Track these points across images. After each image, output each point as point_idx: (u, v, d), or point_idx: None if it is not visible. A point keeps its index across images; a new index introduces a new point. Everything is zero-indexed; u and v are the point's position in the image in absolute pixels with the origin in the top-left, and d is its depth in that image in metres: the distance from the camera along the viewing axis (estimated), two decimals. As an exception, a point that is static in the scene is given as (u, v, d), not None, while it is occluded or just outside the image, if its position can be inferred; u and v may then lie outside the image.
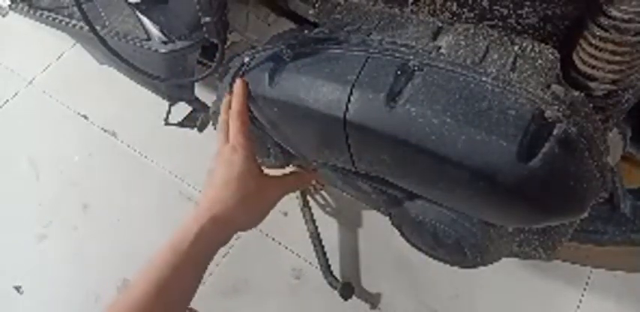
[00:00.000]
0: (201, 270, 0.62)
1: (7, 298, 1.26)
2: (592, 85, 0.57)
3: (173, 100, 0.95)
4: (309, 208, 1.23)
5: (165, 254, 0.59)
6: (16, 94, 1.51)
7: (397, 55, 0.59)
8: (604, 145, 0.58)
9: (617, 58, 0.53)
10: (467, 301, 1.16)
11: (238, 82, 0.67)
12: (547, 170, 0.53)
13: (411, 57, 0.59)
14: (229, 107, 0.68)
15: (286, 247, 1.25)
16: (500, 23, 0.60)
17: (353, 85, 0.58)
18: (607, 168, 0.59)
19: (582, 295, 1.13)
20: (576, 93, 0.56)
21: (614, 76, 0.55)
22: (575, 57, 0.57)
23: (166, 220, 1.18)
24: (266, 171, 0.67)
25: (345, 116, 0.58)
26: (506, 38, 0.59)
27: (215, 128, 0.82)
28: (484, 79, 0.56)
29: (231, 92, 0.68)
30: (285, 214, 1.28)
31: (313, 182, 1.25)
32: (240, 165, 0.63)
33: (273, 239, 1.26)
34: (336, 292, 1.14)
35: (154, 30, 0.82)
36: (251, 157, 0.65)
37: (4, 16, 1.50)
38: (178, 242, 0.59)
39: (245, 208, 0.63)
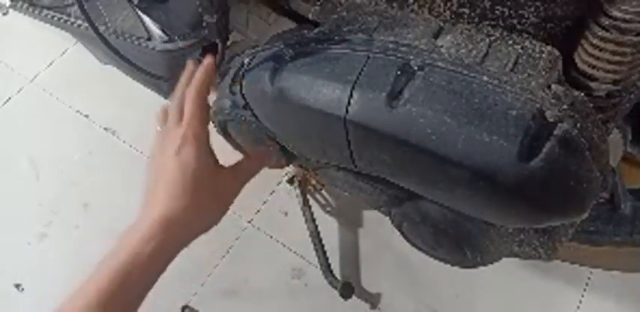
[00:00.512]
0: (153, 280, 0.56)
1: (7, 297, 1.26)
2: (593, 85, 0.57)
3: (174, 100, 0.95)
4: (309, 208, 1.23)
5: (111, 265, 0.56)
6: (16, 92, 1.51)
7: (398, 54, 0.59)
8: (604, 146, 0.58)
9: (618, 58, 0.53)
10: (467, 301, 1.16)
11: (206, 63, 0.59)
12: (548, 170, 0.53)
13: (412, 57, 0.59)
14: (188, 81, 0.59)
15: (286, 247, 1.25)
16: (502, 23, 0.60)
17: (353, 85, 0.58)
18: (607, 168, 0.59)
19: (582, 295, 1.13)
20: (577, 93, 0.56)
21: (615, 76, 0.55)
22: (576, 57, 0.57)
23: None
24: (220, 161, 0.59)
25: (345, 116, 0.58)
26: (507, 38, 0.59)
27: (215, 127, 0.82)
28: (485, 79, 0.56)
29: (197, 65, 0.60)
30: (285, 213, 1.28)
31: (313, 179, 1.25)
32: (193, 161, 0.55)
33: (273, 239, 1.26)
34: (336, 292, 1.14)
35: (155, 29, 0.82)
36: (203, 149, 0.56)
37: (5, 14, 1.50)
38: (125, 267, 0.55)
39: (203, 212, 0.56)
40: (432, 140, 0.55)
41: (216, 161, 0.58)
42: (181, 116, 0.57)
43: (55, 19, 0.97)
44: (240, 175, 0.60)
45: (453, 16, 0.63)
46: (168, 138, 0.57)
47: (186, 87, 0.59)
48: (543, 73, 0.56)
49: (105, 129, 1.44)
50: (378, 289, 1.19)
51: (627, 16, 0.50)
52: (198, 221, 0.56)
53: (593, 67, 0.55)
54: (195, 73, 0.59)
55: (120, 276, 0.54)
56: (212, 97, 0.81)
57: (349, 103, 0.58)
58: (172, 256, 0.55)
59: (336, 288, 1.15)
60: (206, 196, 0.55)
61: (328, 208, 1.27)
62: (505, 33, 0.60)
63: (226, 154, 0.64)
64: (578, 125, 0.55)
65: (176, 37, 0.80)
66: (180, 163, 0.55)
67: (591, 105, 0.57)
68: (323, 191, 1.28)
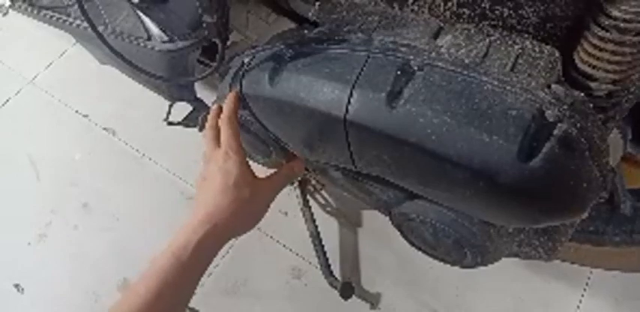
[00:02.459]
0: (198, 279, 0.63)
1: (7, 297, 1.26)
2: (593, 85, 0.57)
3: (174, 100, 0.95)
4: (309, 208, 1.23)
5: (164, 264, 0.60)
6: (16, 93, 1.51)
7: (398, 54, 0.59)
8: (604, 146, 0.58)
9: (618, 58, 0.53)
10: (467, 301, 1.16)
11: (231, 95, 0.69)
12: (547, 170, 0.53)
13: (412, 57, 0.59)
14: (218, 114, 0.69)
15: (286, 247, 1.25)
16: (501, 23, 0.60)
17: (353, 85, 0.58)
18: (607, 168, 0.59)
19: (582, 295, 1.13)
20: (577, 93, 0.56)
21: (615, 76, 0.55)
22: (575, 57, 0.57)
23: (167, 219, 1.18)
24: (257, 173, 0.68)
25: (345, 116, 0.58)
26: (506, 38, 0.59)
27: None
28: (485, 79, 0.56)
29: (222, 100, 0.70)
30: (285, 214, 1.28)
31: (313, 179, 1.25)
32: (235, 172, 0.64)
33: (273, 239, 1.26)
34: (336, 292, 1.14)
35: (154, 29, 0.82)
36: (244, 162, 0.66)
37: (4, 15, 1.50)
38: (177, 253, 0.60)
39: (242, 216, 0.64)
40: (432, 140, 0.55)
41: (254, 174, 0.67)
42: (217, 141, 0.67)
43: (55, 19, 0.97)
44: (276, 183, 0.70)
45: (452, 16, 0.63)
46: (212, 159, 0.66)
47: (214, 120, 0.69)
48: (543, 73, 0.56)
49: (104, 129, 1.44)
50: (378, 289, 1.19)
51: (627, 16, 0.50)
52: (237, 223, 0.64)
53: (593, 67, 0.55)
54: (225, 104, 0.69)
55: (173, 274, 0.60)
56: (212, 98, 0.81)
57: (349, 103, 0.58)
58: (213, 252, 0.63)
59: (336, 288, 1.15)
60: (245, 201, 0.64)
61: (328, 208, 1.27)
62: (505, 33, 0.60)
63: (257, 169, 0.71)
64: (578, 125, 0.55)
65: (176, 38, 0.80)
66: (223, 174, 0.64)
67: (591, 105, 0.57)
68: (323, 191, 1.28)
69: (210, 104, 0.81)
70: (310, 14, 0.70)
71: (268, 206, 0.68)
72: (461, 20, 0.63)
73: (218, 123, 0.69)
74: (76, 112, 1.47)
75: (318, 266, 1.19)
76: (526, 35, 0.60)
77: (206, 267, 0.63)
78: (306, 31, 0.68)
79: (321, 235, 1.20)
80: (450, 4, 0.61)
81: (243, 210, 0.64)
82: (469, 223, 0.70)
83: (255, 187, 0.65)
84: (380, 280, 1.20)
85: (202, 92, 1.02)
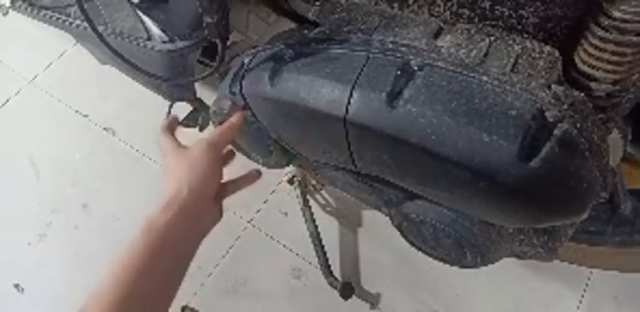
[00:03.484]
0: (182, 251, 0.62)
1: (7, 297, 1.26)
2: (593, 85, 0.57)
3: (174, 100, 0.95)
4: (309, 208, 1.23)
5: (134, 252, 0.59)
6: (16, 93, 1.51)
7: (398, 55, 0.59)
8: (604, 146, 0.58)
9: (618, 58, 0.53)
10: (467, 301, 1.16)
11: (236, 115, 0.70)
12: (547, 170, 0.53)
13: (412, 57, 0.59)
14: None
15: (286, 247, 1.25)
16: (501, 23, 0.60)
17: (353, 85, 0.58)
18: (607, 168, 0.59)
19: (582, 296, 1.13)
20: (577, 93, 0.56)
21: (615, 76, 0.55)
22: (575, 57, 0.57)
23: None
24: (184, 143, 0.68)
25: (345, 116, 0.58)
26: (507, 38, 0.59)
27: (215, 127, 0.81)
28: (485, 79, 0.56)
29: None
30: (285, 214, 1.28)
31: (313, 179, 1.25)
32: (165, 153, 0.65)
33: (273, 239, 1.26)
34: (336, 292, 1.14)
35: (154, 29, 0.82)
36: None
37: (4, 14, 1.50)
38: (164, 222, 0.61)
39: (189, 176, 0.62)
40: (432, 140, 0.55)
41: (178, 144, 0.68)
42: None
43: (55, 19, 0.97)
44: (211, 137, 0.67)
45: (452, 17, 0.63)
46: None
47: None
48: (543, 73, 0.56)
49: (104, 129, 1.44)
50: (378, 289, 1.19)
51: (627, 16, 0.50)
52: (189, 185, 0.63)
53: (593, 67, 0.55)
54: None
55: (155, 246, 0.59)
56: (212, 98, 0.81)
57: (349, 103, 0.58)
58: (202, 231, 0.63)
59: (336, 288, 1.15)
60: (180, 170, 0.64)
61: (328, 208, 1.27)
62: (505, 33, 0.60)
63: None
64: (578, 125, 0.55)
65: (176, 38, 0.80)
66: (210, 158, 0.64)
67: (591, 105, 0.57)
68: (323, 191, 1.28)
69: (210, 104, 0.81)
70: (310, 14, 0.70)
71: (214, 164, 0.65)
72: (461, 20, 0.63)
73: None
74: (76, 112, 1.47)
75: (318, 266, 1.19)
76: (526, 35, 0.60)
77: (182, 249, 0.62)
78: (306, 31, 0.68)
79: (321, 235, 1.20)
80: (449, 4, 0.61)
81: (187, 178, 0.62)
82: (469, 223, 0.70)
83: (185, 153, 0.64)
84: (380, 280, 1.20)
85: (202, 92, 1.02)
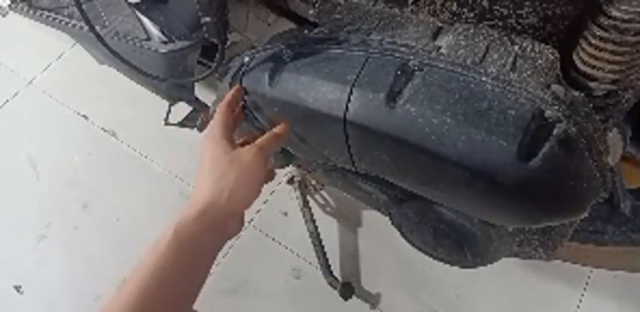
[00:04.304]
0: (206, 262, 0.60)
1: (7, 298, 1.26)
2: (592, 85, 0.57)
3: (173, 100, 0.95)
4: (309, 208, 1.23)
5: (158, 257, 0.56)
6: (16, 94, 1.51)
7: (397, 55, 0.59)
8: (604, 145, 0.58)
9: (617, 58, 0.53)
10: (467, 301, 1.16)
11: (235, 88, 0.67)
12: (547, 170, 0.53)
13: (411, 57, 0.59)
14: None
15: (286, 247, 1.25)
16: (500, 23, 0.60)
17: (353, 85, 0.58)
18: (607, 168, 0.59)
19: (582, 295, 1.13)
20: (576, 93, 0.56)
21: (614, 76, 0.55)
22: (575, 57, 0.57)
23: (167, 219, 1.18)
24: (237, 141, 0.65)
25: (345, 116, 0.58)
26: (506, 38, 0.59)
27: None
28: (484, 79, 0.56)
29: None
30: (285, 214, 1.28)
31: (313, 179, 1.25)
32: (213, 153, 0.60)
33: (273, 239, 1.26)
34: (336, 292, 1.14)
35: (154, 30, 0.82)
36: (225, 144, 0.61)
37: (4, 16, 1.50)
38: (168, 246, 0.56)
39: (233, 190, 0.58)
40: (432, 140, 0.55)
41: (234, 145, 0.63)
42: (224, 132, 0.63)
43: (54, 20, 0.97)
44: (260, 147, 0.62)
45: (452, 17, 0.63)
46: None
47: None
48: (542, 73, 0.56)
49: (104, 130, 1.44)
50: (378, 289, 1.19)
51: (626, 16, 0.50)
52: (230, 199, 0.59)
53: (593, 67, 0.55)
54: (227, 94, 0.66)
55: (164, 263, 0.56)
56: (212, 98, 0.81)
57: (349, 103, 0.58)
58: (225, 241, 0.60)
59: (336, 288, 1.15)
60: (230, 174, 0.60)
61: (328, 208, 1.27)
62: (504, 33, 0.60)
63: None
64: (578, 125, 0.55)
65: (175, 38, 0.80)
66: (203, 160, 0.61)
67: (591, 105, 0.57)
68: (323, 191, 1.28)
69: (210, 104, 0.81)
70: (310, 14, 0.70)
71: (261, 174, 0.61)
72: (460, 20, 0.62)
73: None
74: (76, 112, 1.47)
75: (318, 266, 1.19)
76: (526, 35, 0.60)
77: (207, 260, 0.59)
78: (305, 32, 0.68)
79: (321, 235, 1.20)
80: (449, 4, 0.61)
81: (231, 184, 0.58)
82: (469, 223, 0.70)
83: (237, 157, 0.59)
84: (380, 280, 1.20)
85: (202, 92, 1.02)
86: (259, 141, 0.62)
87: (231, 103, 0.65)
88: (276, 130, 0.65)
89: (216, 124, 0.63)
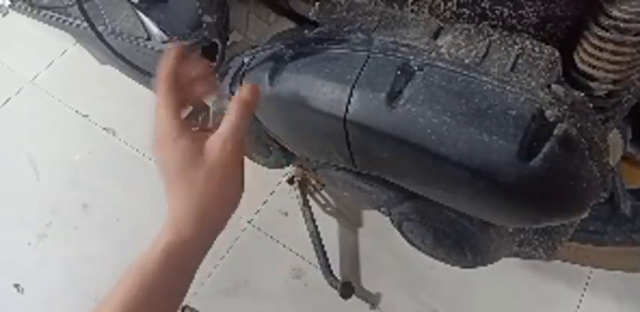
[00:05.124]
0: (187, 282, 0.52)
1: (7, 297, 1.26)
2: (593, 85, 0.57)
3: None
4: (309, 208, 1.23)
5: (133, 278, 0.49)
6: (16, 93, 1.51)
7: (398, 54, 0.59)
8: (604, 145, 0.58)
9: (618, 58, 0.53)
10: (467, 300, 1.16)
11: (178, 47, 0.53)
12: (547, 170, 0.53)
13: (412, 57, 0.59)
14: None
15: (286, 247, 1.25)
16: (501, 23, 0.60)
17: (353, 85, 0.58)
18: (607, 168, 0.59)
19: (582, 295, 1.13)
20: (577, 93, 0.56)
21: (615, 76, 0.55)
22: (575, 57, 0.57)
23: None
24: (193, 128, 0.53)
25: (345, 116, 0.58)
26: (506, 38, 0.59)
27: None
28: (485, 79, 0.56)
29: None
30: (285, 214, 1.28)
31: (313, 179, 1.25)
32: (168, 151, 0.49)
33: (273, 239, 1.26)
34: (336, 292, 1.14)
35: (154, 29, 0.82)
36: (175, 130, 0.49)
37: (4, 15, 1.50)
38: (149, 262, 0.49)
39: (211, 197, 0.49)
40: (432, 140, 0.55)
41: (186, 128, 0.52)
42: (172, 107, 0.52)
43: (55, 19, 0.97)
44: (230, 132, 0.50)
45: (452, 16, 0.63)
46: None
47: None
48: (543, 73, 0.56)
49: (104, 129, 1.44)
50: (378, 289, 1.19)
51: (627, 16, 0.50)
52: (212, 210, 0.50)
53: (593, 67, 0.55)
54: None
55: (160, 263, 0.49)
56: (212, 98, 0.81)
57: (349, 103, 0.58)
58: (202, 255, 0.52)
59: (336, 288, 1.15)
60: (203, 180, 0.49)
61: (328, 208, 1.27)
62: (505, 33, 0.60)
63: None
64: (578, 125, 0.55)
65: (176, 38, 0.80)
66: (159, 162, 0.51)
67: (591, 105, 0.57)
68: (323, 191, 1.28)
69: (210, 104, 0.81)
70: (310, 14, 0.70)
71: (240, 170, 0.50)
72: (461, 20, 0.62)
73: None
74: (76, 112, 1.47)
75: (318, 266, 1.19)
76: (526, 35, 0.60)
77: (187, 279, 0.52)
78: (306, 31, 0.68)
79: (321, 235, 1.20)
80: (450, 4, 0.61)
81: (208, 191, 0.48)
82: (469, 223, 0.70)
83: (203, 162, 0.48)
84: (380, 280, 1.20)
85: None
86: (224, 128, 0.49)
87: (172, 71, 0.51)
88: (243, 96, 0.50)
89: (164, 116, 0.50)
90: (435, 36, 0.61)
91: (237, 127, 0.50)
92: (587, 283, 1.14)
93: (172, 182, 0.49)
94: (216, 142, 0.49)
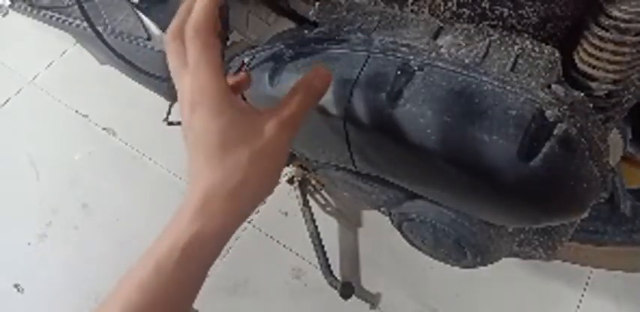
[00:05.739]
0: (193, 291, 0.47)
1: (7, 297, 1.26)
2: (593, 85, 0.57)
3: (174, 100, 0.95)
4: (309, 208, 1.23)
5: (142, 278, 0.42)
6: (16, 93, 1.51)
7: (397, 54, 0.59)
8: (604, 145, 0.58)
9: (618, 58, 0.53)
10: (467, 300, 1.16)
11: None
12: (547, 170, 0.53)
13: (412, 57, 0.59)
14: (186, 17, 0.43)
15: (286, 247, 1.25)
16: (501, 23, 0.60)
17: (353, 85, 0.58)
18: (607, 168, 0.59)
19: (582, 295, 1.13)
20: (577, 93, 0.56)
21: (615, 76, 0.55)
22: (575, 57, 0.57)
23: (167, 219, 1.18)
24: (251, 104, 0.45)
25: (345, 116, 0.58)
26: (506, 38, 0.59)
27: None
28: (484, 79, 0.56)
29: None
30: (285, 214, 1.28)
31: (313, 179, 1.25)
32: (215, 126, 0.41)
33: (273, 239, 1.26)
34: (336, 292, 1.14)
35: (154, 29, 0.82)
36: (223, 95, 0.41)
37: (4, 15, 1.50)
38: (159, 263, 0.42)
39: (252, 183, 0.42)
40: (432, 140, 0.55)
41: (248, 108, 0.44)
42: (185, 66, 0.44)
43: (55, 19, 0.97)
44: (287, 116, 0.44)
45: (452, 16, 0.63)
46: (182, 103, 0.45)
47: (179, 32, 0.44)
48: (543, 73, 0.56)
49: (104, 129, 1.44)
50: (378, 289, 1.19)
51: (627, 16, 0.50)
52: (246, 197, 0.44)
53: (593, 67, 0.55)
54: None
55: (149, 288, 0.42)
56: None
57: (349, 102, 0.58)
58: (213, 253, 0.45)
59: (336, 288, 1.15)
60: (247, 161, 0.42)
61: (328, 208, 1.27)
62: (505, 33, 0.60)
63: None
64: (578, 125, 0.55)
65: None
66: (195, 133, 0.43)
67: (591, 105, 0.57)
68: (323, 191, 1.28)
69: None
70: (310, 14, 0.70)
71: (284, 160, 0.44)
72: (461, 20, 0.62)
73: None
74: (76, 112, 1.47)
75: (318, 266, 1.19)
76: (526, 35, 0.60)
77: (204, 274, 0.46)
78: (306, 31, 0.68)
79: (321, 235, 1.20)
80: (450, 4, 0.61)
81: (249, 176, 0.41)
82: (469, 223, 0.70)
83: (253, 131, 0.41)
84: (380, 280, 1.20)
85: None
86: (283, 110, 0.43)
87: (211, 16, 0.42)
88: (313, 82, 0.44)
89: (206, 75, 0.41)
90: (435, 36, 0.61)
91: (299, 113, 0.44)
92: (587, 283, 1.14)
93: (208, 159, 0.41)
94: (273, 123, 0.42)
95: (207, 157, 0.41)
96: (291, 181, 1.25)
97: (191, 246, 0.41)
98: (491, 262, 0.78)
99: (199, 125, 0.41)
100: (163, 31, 0.81)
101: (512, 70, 0.56)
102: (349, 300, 1.14)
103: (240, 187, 0.42)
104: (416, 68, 0.58)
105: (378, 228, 1.23)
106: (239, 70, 0.65)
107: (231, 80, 0.46)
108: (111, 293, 0.43)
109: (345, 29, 0.65)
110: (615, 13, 0.50)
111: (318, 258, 1.18)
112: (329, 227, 1.24)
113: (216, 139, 0.41)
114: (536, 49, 0.58)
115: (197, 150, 0.42)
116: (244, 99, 0.68)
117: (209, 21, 0.42)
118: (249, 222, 1.27)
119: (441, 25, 0.62)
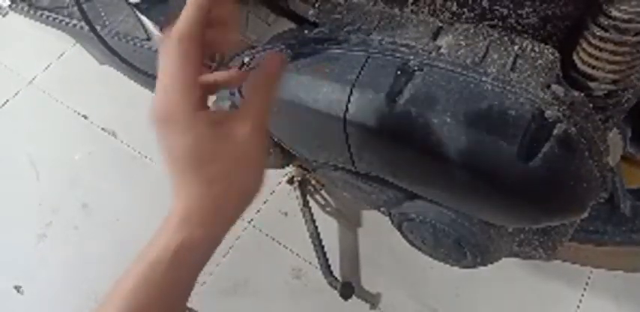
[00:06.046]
0: (184, 294, 0.47)
1: (7, 298, 1.26)
2: (592, 85, 0.57)
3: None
4: (309, 208, 1.23)
5: (131, 285, 0.42)
6: (16, 93, 1.51)
7: (397, 55, 0.59)
8: (604, 145, 0.58)
9: (618, 58, 0.53)
10: (467, 300, 1.16)
11: None
12: (547, 170, 0.53)
13: (411, 57, 0.59)
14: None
15: (286, 247, 1.25)
16: (501, 23, 0.60)
17: (353, 85, 0.58)
18: (607, 168, 0.59)
19: (582, 295, 1.13)
20: (576, 93, 0.56)
21: (615, 76, 0.55)
22: (575, 57, 0.57)
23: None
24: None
25: (345, 116, 0.58)
26: (506, 38, 0.59)
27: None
28: (484, 79, 0.56)
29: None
30: (285, 214, 1.28)
31: (313, 179, 1.25)
32: (187, 135, 0.40)
33: (273, 239, 1.26)
34: (336, 292, 1.14)
35: (153, 30, 0.82)
36: (191, 111, 0.40)
37: (4, 16, 1.50)
38: (149, 268, 0.43)
39: (232, 185, 0.42)
40: (432, 140, 0.55)
41: (204, 107, 0.43)
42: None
43: (54, 20, 0.97)
44: (255, 111, 0.43)
45: (452, 17, 0.63)
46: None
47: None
48: (543, 73, 0.56)
49: (104, 129, 1.44)
50: (378, 289, 1.19)
51: (626, 16, 0.50)
52: (230, 201, 0.44)
53: (593, 67, 0.55)
54: None
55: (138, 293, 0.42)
56: (211, 99, 0.81)
57: (349, 103, 0.58)
58: (204, 256, 0.45)
59: (336, 288, 1.15)
60: (224, 169, 0.42)
61: (328, 209, 1.27)
62: (504, 33, 0.60)
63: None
64: (578, 125, 0.55)
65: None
66: (165, 145, 0.43)
67: (591, 105, 0.57)
68: (323, 191, 1.28)
69: (210, 104, 0.81)
70: (310, 14, 0.70)
71: (264, 148, 0.43)
72: (460, 20, 0.62)
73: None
74: (76, 112, 1.47)
75: (318, 266, 1.19)
76: (526, 35, 0.60)
77: (196, 275, 0.46)
78: (305, 32, 0.68)
79: (321, 235, 1.20)
80: (449, 4, 0.61)
81: (232, 183, 0.41)
82: (469, 223, 0.70)
83: (227, 141, 0.41)
84: (380, 280, 1.20)
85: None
86: (249, 110, 0.42)
87: (198, 22, 0.40)
88: (268, 69, 0.42)
89: (177, 86, 0.40)
90: (435, 36, 0.61)
91: (265, 108, 0.42)
92: (587, 283, 1.14)
93: (183, 174, 0.41)
94: (243, 126, 0.41)
95: (181, 172, 0.42)
96: (291, 181, 1.25)
97: (182, 249, 0.42)
98: (491, 262, 0.78)
99: (169, 142, 0.41)
100: (162, 32, 0.81)
101: (511, 70, 0.56)
102: (349, 300, 1.14)
103: (223, 196, 0.42)
104: (416, 68, 0.58)
105: (378, 228, 1.23)
106: (239, 70, 0.66)
107: (219, 76, 0.45)
108: (108, 293, 0.44)
109: (344, 29, 0.65)
110: (615, 13, 0.50)
111: (318, 258, 1.18)
112: (329, 227, 1.24)
113: (187, 155, 0.40)
114: (536, 49, 0.58)
115: (171, 165, 0.42)
116: (239, 92, 0.68)
117: (193, 31, 0.41)
118: (249, 222, 1.27)
119: (441, 25, 0.62)
